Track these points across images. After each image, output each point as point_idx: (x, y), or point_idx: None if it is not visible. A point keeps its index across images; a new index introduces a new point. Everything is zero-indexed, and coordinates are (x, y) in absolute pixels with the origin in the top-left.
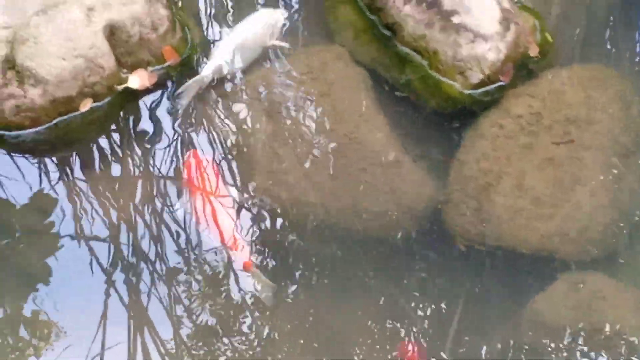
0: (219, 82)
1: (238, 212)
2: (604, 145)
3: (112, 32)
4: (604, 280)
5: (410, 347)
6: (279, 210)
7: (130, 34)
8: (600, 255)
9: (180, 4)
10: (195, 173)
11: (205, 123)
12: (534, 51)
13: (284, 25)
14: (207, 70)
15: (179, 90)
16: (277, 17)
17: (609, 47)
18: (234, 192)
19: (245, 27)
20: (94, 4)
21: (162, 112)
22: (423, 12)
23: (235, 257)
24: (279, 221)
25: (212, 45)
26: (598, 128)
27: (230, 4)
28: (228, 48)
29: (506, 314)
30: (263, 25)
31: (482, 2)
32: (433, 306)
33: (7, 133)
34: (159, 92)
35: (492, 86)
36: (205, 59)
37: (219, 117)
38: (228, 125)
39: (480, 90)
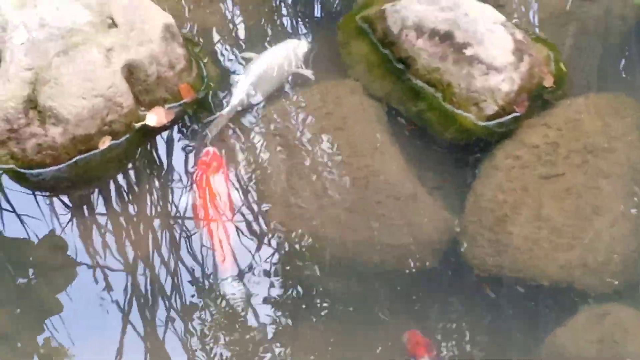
0: (235, 116)
1: (235, 213)
2: (623, 173)
3: (131, 72)
4: (627, 311)
5: (417, 338)
6: (295, 244)
7: (148, 73)
8: (622, 286)
9: (196, 41)
10: (206, 171)
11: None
12: (548, 81)
13: (307, 53)
14: (235, 100)
15: (209, 120)
16: (301, 46)
17: (624, 75)
18: (235, 195)
19: (270, 55)
20: (113, 45)
21: (179, 149)
22: (436, 46)
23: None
24: (295, 255)
25: (236, 76)
26: (616, 156)
27: (244, 40)
28: (254, 77)
29: (526, 346)
30: (288, 53)
31: (495, 34)
32: (451, 339)
33: (28, 171)
34: (175, 129)
35: (507, 117)
36: (229, 91)
37: (235, 151)
38: (244, 159)
39: (495, 121)
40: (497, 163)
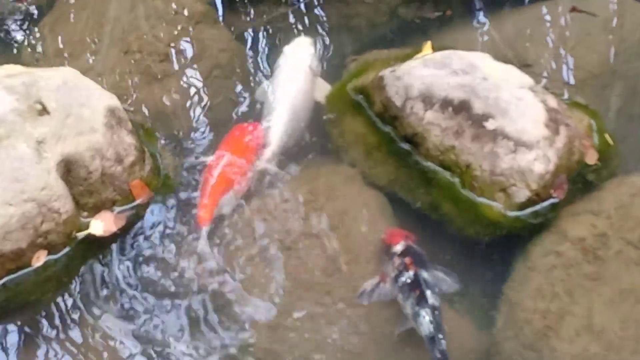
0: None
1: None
2: None
3: (68, 169)
4: None
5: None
6: None
7: (89, 169)
8: None
9: (149, 127)
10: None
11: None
12: (591, 158)
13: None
14: (271, 151)
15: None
16: (308, 56)
17: None
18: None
19: (289, 93)
20: (45, 136)
21: (133, 262)
22: (449, 119)
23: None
24: None
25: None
26: None
27: (209, 121)
28: (284, 125)
29: None
30: (304, 78)
31: (522, 102)
32: None
33: None
34: (128, 238)
35: (543, 204)
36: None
37: (208, 262)
38: (218, 273)
39: (527, 210)
40: (534, 262)
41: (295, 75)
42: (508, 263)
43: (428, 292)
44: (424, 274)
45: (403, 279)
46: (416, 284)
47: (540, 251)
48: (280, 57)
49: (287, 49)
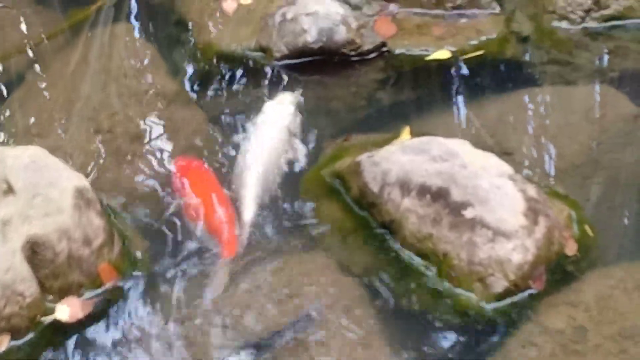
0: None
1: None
2: None
3: (34, 250)
4: None
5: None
6: None
7: (56, 251)
8: None
9: (117, 208)
10: (185, 174)
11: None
12: (571, 249)
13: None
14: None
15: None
16: (287, 111)
17: None
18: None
19: (265, 144)
20: (10, 217)
21: (99, 350)
22: (427, 206)
23: (224, 247)
24: None
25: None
26: None
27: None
28: (258, 182)
29: None
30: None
31: (501, 191)
32: None
33: None
34: (96, 324)
35: (521, 295)
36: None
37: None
38: None
39: (505, 301)
40: (511, 355)
41: (270, 135)
42: (484, 355)
43: None
44: None
45: None
46: None
47: (517, 343)
48: (260, 114)
49: (267, 105)
